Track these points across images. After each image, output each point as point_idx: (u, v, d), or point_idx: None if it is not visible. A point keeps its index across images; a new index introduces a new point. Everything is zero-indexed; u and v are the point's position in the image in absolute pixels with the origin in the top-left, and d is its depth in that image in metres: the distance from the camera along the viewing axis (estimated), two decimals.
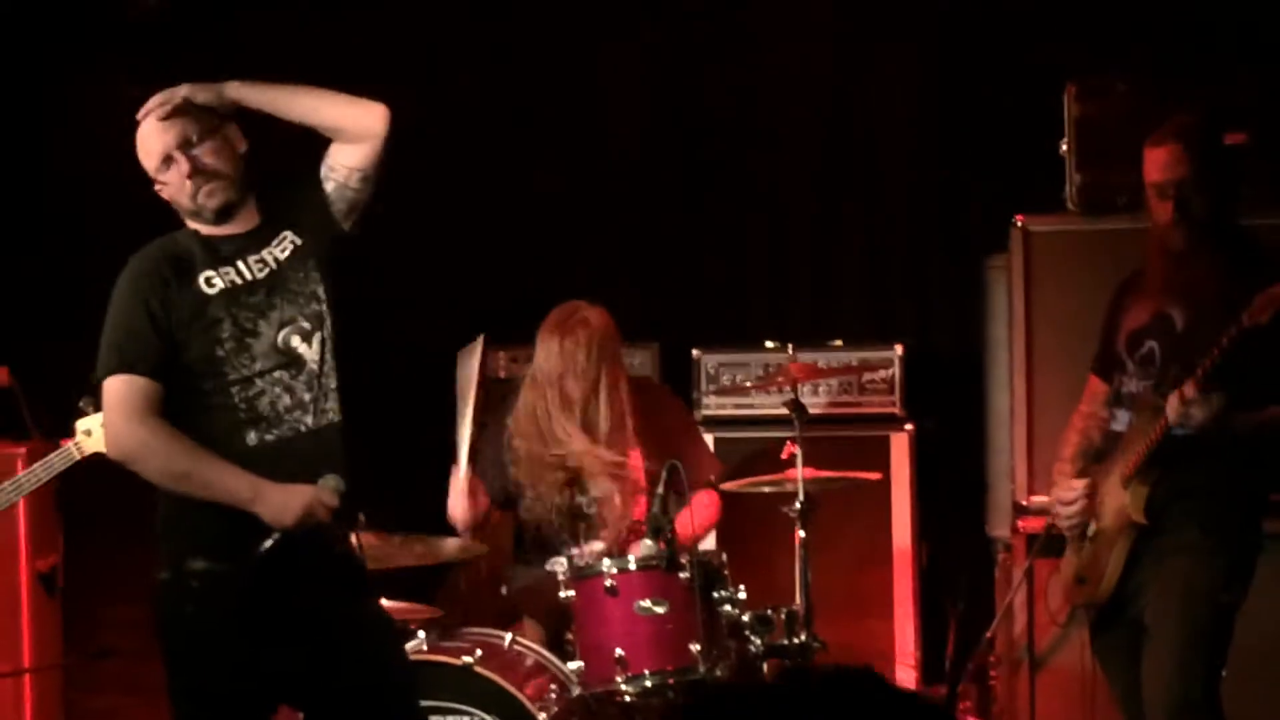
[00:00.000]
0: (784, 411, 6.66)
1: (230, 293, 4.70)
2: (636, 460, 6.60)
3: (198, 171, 4.66)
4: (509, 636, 6.06)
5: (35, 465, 5.63)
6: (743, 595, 6.14)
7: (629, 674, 5.95)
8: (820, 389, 7.48)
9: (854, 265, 8.13)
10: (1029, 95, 7.35)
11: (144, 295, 4.67)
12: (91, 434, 5.53)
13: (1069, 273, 6.88)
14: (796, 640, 6.26)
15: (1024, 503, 6.96)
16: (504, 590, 6.57)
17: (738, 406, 7.61)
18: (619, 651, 5.95)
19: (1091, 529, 5.58)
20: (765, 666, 6.19)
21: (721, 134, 8.26)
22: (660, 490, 6.16)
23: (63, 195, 8.14)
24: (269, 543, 4.57)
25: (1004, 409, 7.22)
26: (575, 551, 6.40)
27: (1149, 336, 5.51)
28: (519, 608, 6.47)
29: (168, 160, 4.67)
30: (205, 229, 4.74)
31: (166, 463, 4.67)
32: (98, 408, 5.31)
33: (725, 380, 7.60)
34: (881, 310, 8.03)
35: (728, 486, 6.86)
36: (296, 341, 4.71)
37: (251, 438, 4.67)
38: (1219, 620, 5.39)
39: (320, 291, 4.77)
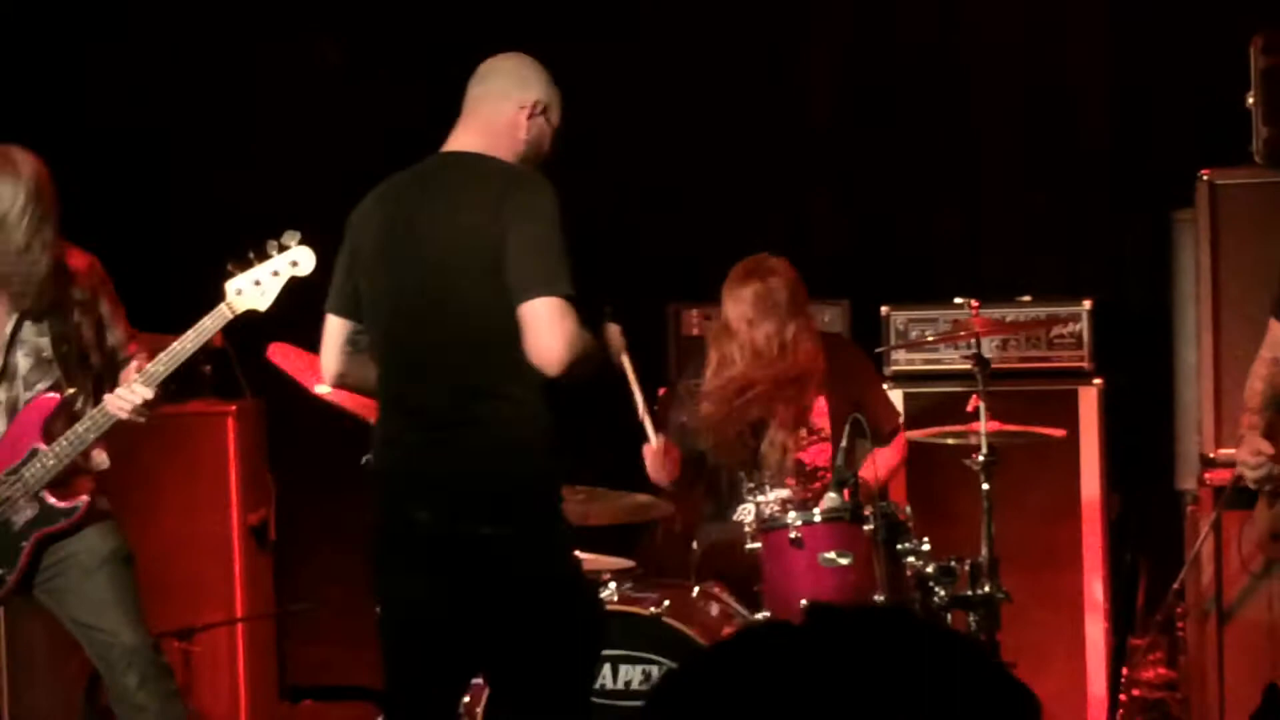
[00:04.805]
0: (970, 366, 6.70)
1: None
2: (821, 408, 6.70)
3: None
4: (697, 587, 6.19)
5: (188, 331, 5.51)
6: (927, 547, 6.21)
7: None
8: (1009, 344, 7.48)
9: (1043, 221, 8.10)
10: (1217, 48, 7.28)
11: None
12: (243, 293, 5.44)
13: (1255, 225, 6.82)
14: (980, 591, 6.31)
15: (1211, 455, 6.87)
16: (695, 546, 6.64)
17: (926, 361, 7.62)
18: (804, 602, 5.91)
19: (1275, 485, 5.61)
20: (949, 617, 6.25)
21: (912, 94, 8.24)
22: (844, 443, 6.24)
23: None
24: None
25: (1192, 362, 7.16)
26: (761, 499, 6.43)
27: None
28: (709, 562, 6.54)
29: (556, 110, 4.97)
30: None
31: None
32: (251, 264, 5.42)
33: (914, 335, 7.59)
34: (1071, 265, 7.97)
35: (914, 435, 6.94)
36: None
37: None
38: None
39: None
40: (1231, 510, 6.57)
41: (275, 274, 5.42)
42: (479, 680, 5.94)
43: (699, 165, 8.20)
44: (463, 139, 4.91)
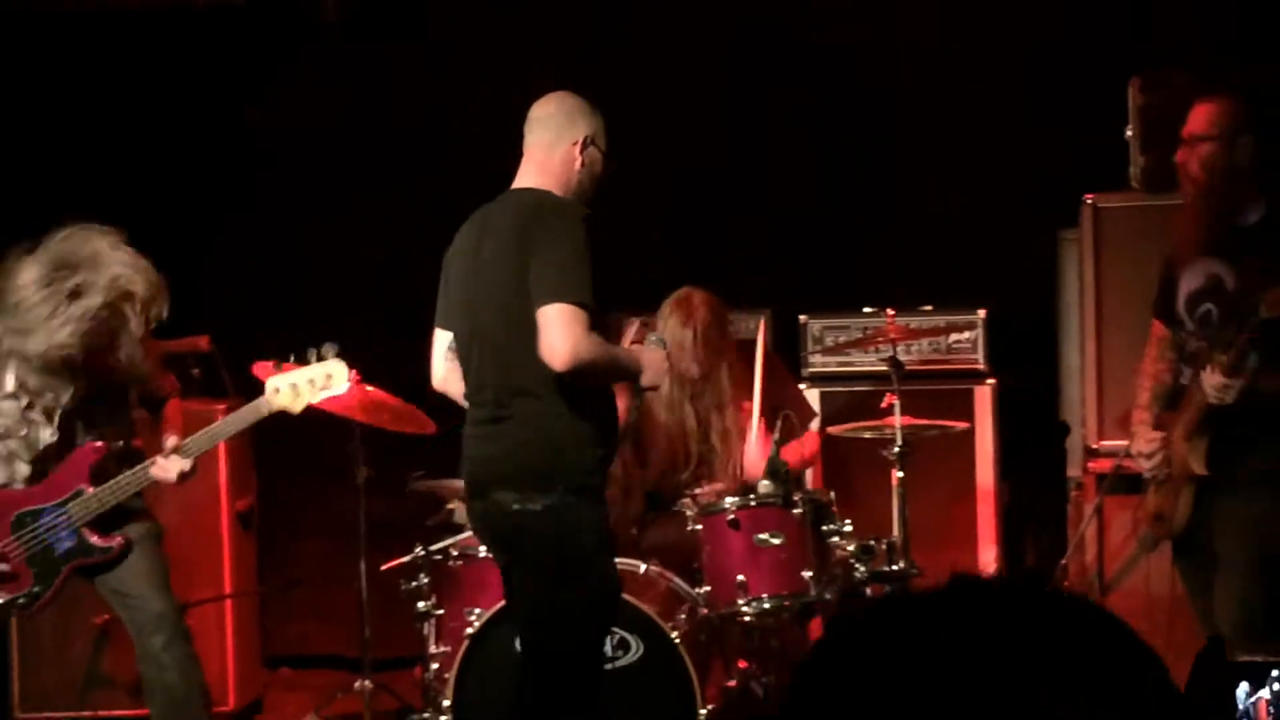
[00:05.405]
0: (882, 367, 7.14)
1: None
2: (749, 410, 7.08)
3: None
4: (644, 565, 6.57)
5: (229, 416, 6.02)
6: (849, 528, 6.62)
7: (750, 597, 6.44)
8: (913, 348, 7.84)
9: (943, 238, 8.36)
10: (1099, 87, 7.59)
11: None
12: (280, 393, 5.86)
13: (1133, 243, 7.12)
14: (895, 567, 6.74)
15: (1094, 446, 7.23)
16: (634, 531, 7.02)
17: (840, 364, 8.00)
18: (741, 577, 6.46)
19: (1165, 473, 5.87)
20: (868, 590, 6.63)
21: (833, 121, 8.47)
22: (777, 436, 6.66)
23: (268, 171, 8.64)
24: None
25: (1075, 364, 7.52)
26: (699, 490, 6.90)
27: (1205, 299, 5.77)
28: (652, 544, 6.95)
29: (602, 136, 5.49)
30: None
31: (608, 364, 5.29)
32: (293, 366, 5.86)
33: (829, 341, 7.95)
34: (967, 278, 8.24)
35: (834, 430, 7.33)
36: None
37: None
38: None
39: None
40: (1112, 495, 7.00)
41: (311, 383, 5.87)
42: (447, 649, 6.48)
43: (631, 181, 8.47)
44: (523, 179, 5.48)
